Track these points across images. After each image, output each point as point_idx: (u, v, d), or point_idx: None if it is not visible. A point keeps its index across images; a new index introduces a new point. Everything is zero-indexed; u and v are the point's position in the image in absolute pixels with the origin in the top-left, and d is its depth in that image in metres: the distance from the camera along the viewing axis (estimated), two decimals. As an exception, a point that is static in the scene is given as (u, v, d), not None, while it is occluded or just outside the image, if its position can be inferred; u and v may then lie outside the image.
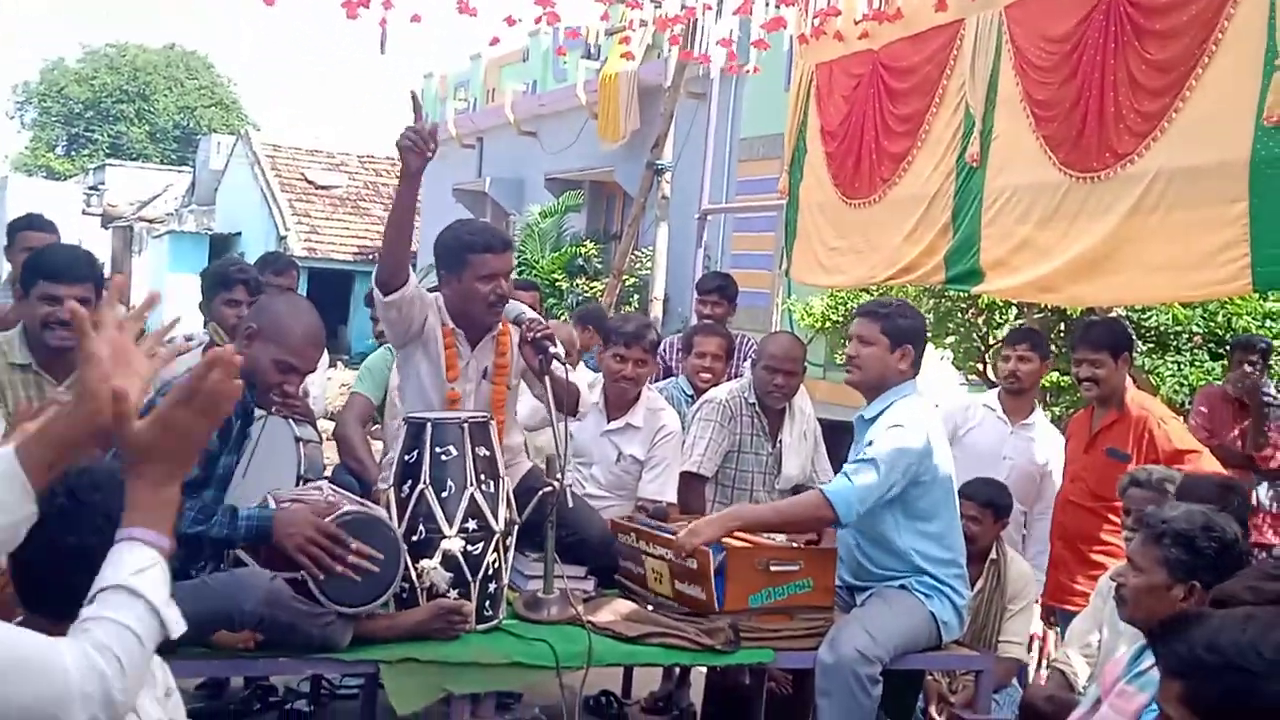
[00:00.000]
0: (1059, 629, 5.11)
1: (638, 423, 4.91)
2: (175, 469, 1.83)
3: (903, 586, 4.07)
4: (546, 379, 3.98)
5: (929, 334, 7.57)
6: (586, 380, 5.41)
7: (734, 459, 5.08)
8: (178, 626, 1.80)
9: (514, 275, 4.49)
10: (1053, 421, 6.71)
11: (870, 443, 3.99)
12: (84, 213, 29.12)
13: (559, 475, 3.92)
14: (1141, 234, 4.66)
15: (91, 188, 32.69)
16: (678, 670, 5.52)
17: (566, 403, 3.98)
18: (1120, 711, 2.95)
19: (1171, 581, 3.04)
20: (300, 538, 3.37)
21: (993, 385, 7.57)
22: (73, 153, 45.04)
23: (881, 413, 4.05)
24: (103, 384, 1.82)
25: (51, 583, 2.10)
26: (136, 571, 1.75)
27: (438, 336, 4.17)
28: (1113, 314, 6.32)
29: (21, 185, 33.63)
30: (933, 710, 4.59)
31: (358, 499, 3.81)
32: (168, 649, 2.51)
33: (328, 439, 5.48)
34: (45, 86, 46.14)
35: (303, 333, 3.58)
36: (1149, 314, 6.87)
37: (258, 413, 4.46)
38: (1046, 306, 6.48)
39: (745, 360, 6.01)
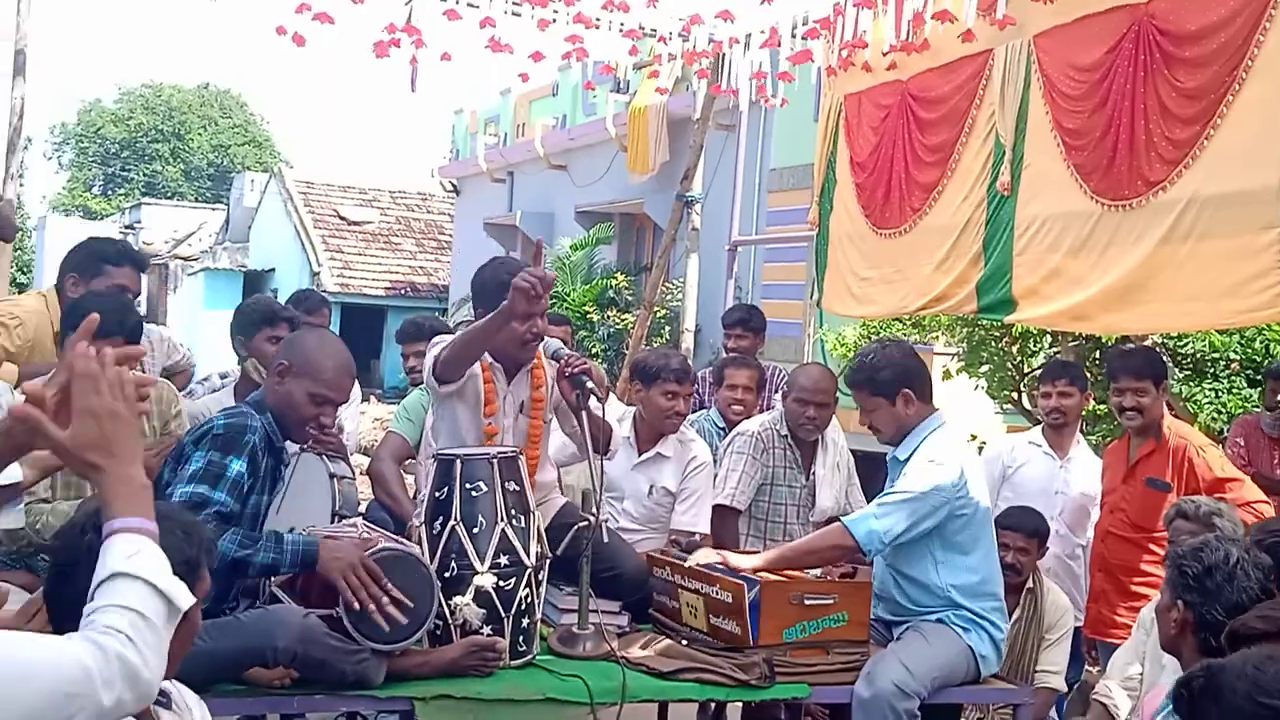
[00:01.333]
0: (1100, 662, 5.05)
1: (668, 453, 4.90)
2: (119, 451, 1.87)
3: (940, 620, 4.04)
4: (583, 414, 3.97)
5: (961, 364, 7.58)
6: (617, 414, 5.40)
7: (767, 491, 5.05)
8: (184, 598, 1.82)
9: (552, 309, 4.50)
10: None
11: (905, 476, 3.98)
12: (120, 251, 29.35)
13: (594, 510, 3.92)
14: (1174, 262, 4.63)
15: (127, 226, 33.07)
16: (713, 706, 5.48)
17: (601, 440, 3.97)
18: (1161, 747, 2.90)
19: (1170, 604, 3.07)
20: (345, 566, 3.38)
21: (1027, 413, 7.53)
22: (109, 192, 45.61)
23: (915, 450, 4.04)
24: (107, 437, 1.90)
25: (75, 617, 2.12)
26: (127, 558, 1.79)
27: (476, 373, 4.18)
28: (1147, 341, 6.27)
29: (59, 225, 34.13)
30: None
31: (392, 536, 3.82)
32: (203, 687, 2.54)
33: (361, 474, 5.50)
34: (82, 127, 46.80)
35: (334, 365, 3.63)
36: (1185, 341, 6.81)
37: (291, 448, 4.50)
38: (1080, 335, 6.44)
39: (776, 392, 6.00)
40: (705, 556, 4.02)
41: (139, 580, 1.78)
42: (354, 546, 3.47)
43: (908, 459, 4.06)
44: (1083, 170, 5.09)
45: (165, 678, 2.28)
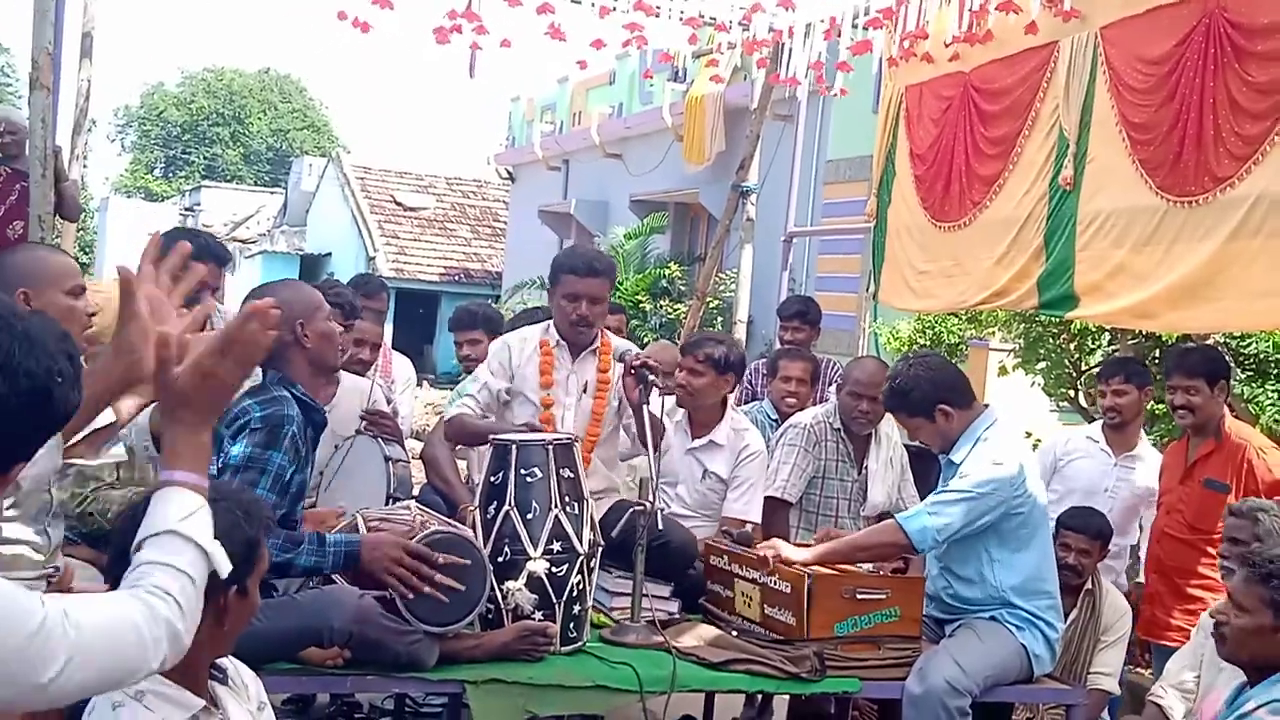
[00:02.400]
0: (1153, 664, 4.99)
1: (721, 440, 4.90)
2: (209, 415, 1.91)
3: (993, 618, 4.01)
4: (644, 410, 4.09)
5: (1018, 360, 7.49)
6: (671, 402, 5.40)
7: (819, 485, 5.04)
8: (225, 565, 1.85)
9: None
10: (1147, 450, 6.57)
11: (961, 475, 3.94)
12: (180, 232, 29.75)
13: (650, 498, 3.93)
14: (1241, 259, 4.55)
15: (187, 209, 33.50)
16: (760, 698, 5.47)
17: (653, 437, 4.07)
18: (1222, 753, 2.86)
19: (1278, 624, 2.94)
20: (387, 560, 3.40)
21: (1084, 411, 7.43)
22: (170, 174, 46.22)
23: (971, 450, 4.01)
24: (142, 340, 2.00)
25: None
26: (184, 517, 1.81)
27: (535, 351, 4.43)
28: (1209, 341, 6.17)
29: (121, 206, 34.64)
30: (1020, 743, 4.51)
31: (445, 519, 3.84)
32: (258, 665, 2.57)
33: (414, 459, 5.53)
34: (145, 110, 47.46)
35: (304, 284, 3.74)
36: (1248, 341, 6.69)
37: (346, 432, 4.54)
38: (1140, 333, 6.34)
39: (830, 385, 5.96)
40: (763, 548, 4.01)
41: (192, 543, 1.80)
42: (395, 539, 3.46)
43: (963, 460, 4.02)
44: (1148, 165, 5.01)
45: (221, 655, 2.32)
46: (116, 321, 2.02)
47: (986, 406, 4.18)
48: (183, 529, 1.80)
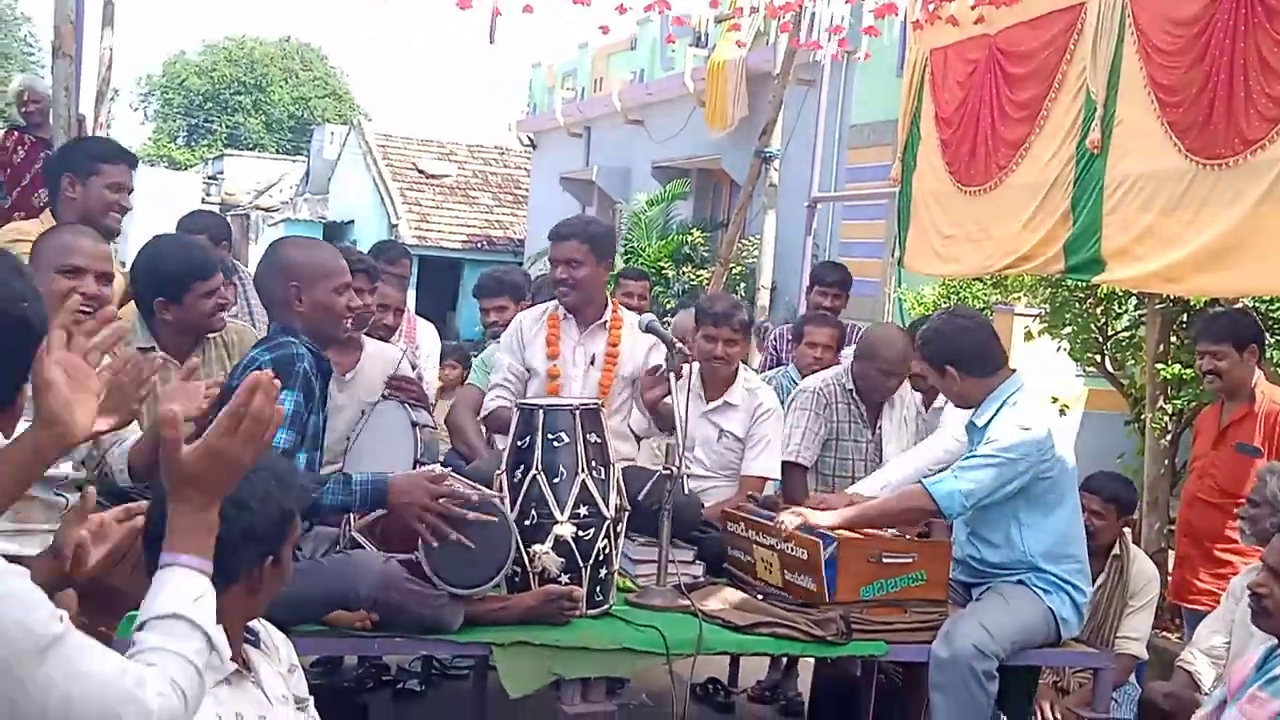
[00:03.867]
0: (1182, 628, 4.98)
1: (735, 400, 4.90)
2: (217, 495, 1.84)
3: (1020, 582, 4.01)
4: (671, 379, 4.23)
5: (1044, 325, 7.45)
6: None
7: (833, 447, 5.03)
8: (226, 652, 1.82)
9: (621, 264, 4.72)
10: (1173, 416, 6.54)
11: (989, 440, 3.93)
12: (203, 201, 29.93)
13: (676, 463, 3.94)
14: (1271, 222, 4.50)
15: (210, 177, 33.57)
16: (785, 661, 5.50)
17: (670, 421, 4.26)
18: (1252, 718, 2.86)
19: None
20: (416, 503, 3.40)
21: (1110, 376, 7.40)
22: (193, 143, 46.33)
23: (995, 414, 3.99)
24: (64, 408, 1.89)
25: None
26: (194, 600, 1.76)
27: (542, 325, 4.55)
28: (1239, 305, 6.12)
29: (145, 175, 34.64)
30: (1045, 707, 4.51)
31: (471, 482, 3.85)
32: (286, 627, 2.59)
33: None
34: (167, 79, 47.54)
35: (328, 253, 3.63)
36: (1277, 305, 6.64)
37: (372, 398, 4.56)
38: (1168, 297, 6.29)
39: (847, 348, 5.95)
40: (786, 517, 4.01)
41: (200, 631, 1.75)
42: (424, 483, 3.45)
43: (987, 424, 4.01)
44: (1177, 128, 4.96)
45: (252, 618, 2.33)
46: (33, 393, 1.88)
47: (1014, 371, 4.16)
48: (193, 615, 1.75)
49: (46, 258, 3.37)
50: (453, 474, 3.88)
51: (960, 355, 4.06)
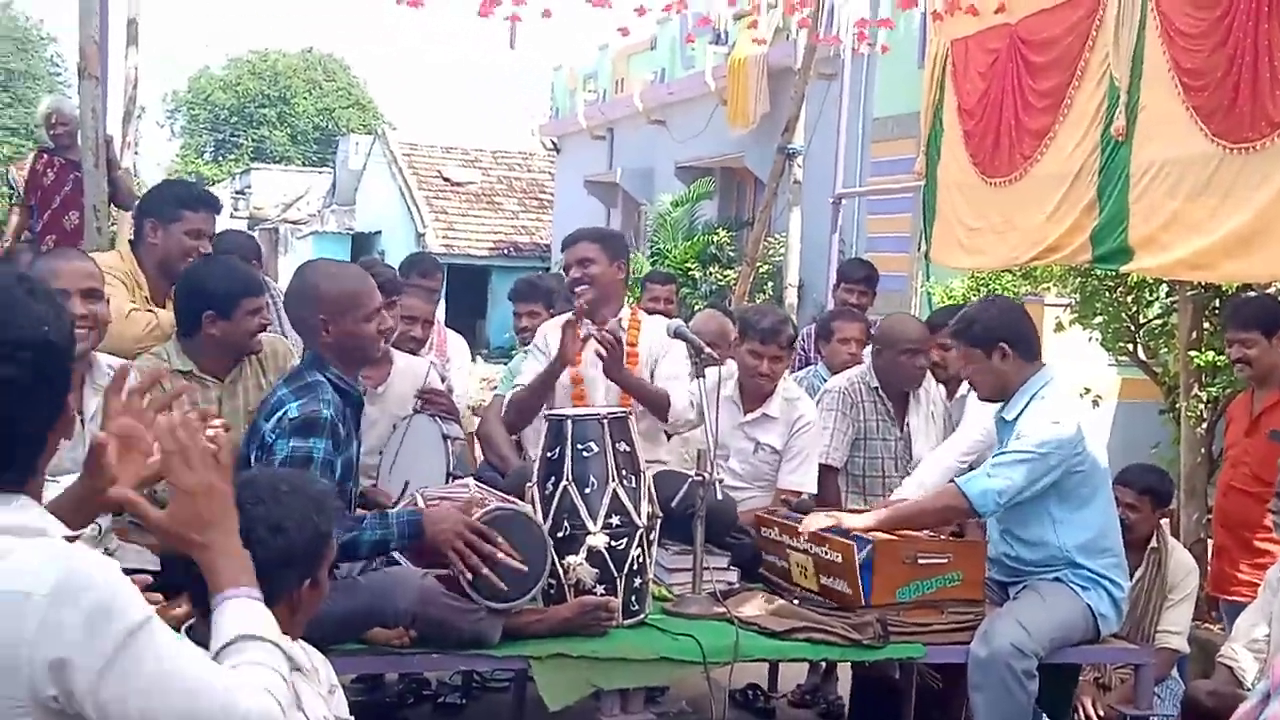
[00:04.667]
0: (1223, 620, 4.93)
1: (774, 413, 4.88)
2: (221, 527, 1.88)
3: (1057, 579, 3.98)
4: (700, 381, 4.22)
5: (1074, 315, 7.40)
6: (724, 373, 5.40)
7: (862, 447, 5.01)
8: (304, 661, 1.94)
9: (648, 266, 4.74)
10: (1208, 403, 6.48)
11: (1019, 436, 3.91)
12: (232, 215, 30.15)
13: (709, 470, 3.94)
14: (1301, 206, 4.45)
15: (238, 192, 33.81)
16: (824, 665, 5.48)
17: (655, 409, 4.38)
18: (1296, 712, 2.82)
19: None
20: (451, 534, 3.42)
21: (1143, 365, 7.33)
22: (219, 158, 46.67)
23: (1025, 408, 3.97)
24: (109, 468, 1.94)
25: None
26: (253, 622, 1.83)
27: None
28: (1271, 289, 6.06)
29: (173, 192, 34.86)
30: (1087, 704, 4.48)
31: (503, 495, 3.86)
32: (325, 646, 2.60)
33: (471, 434, 5.58)
34: (193, 95, 47.91)
35: (355, 280, 3.61)
36: (1310, 288, 6.57)
37: (404, 412, 4.57)
38: (1199, 284, 6.23)
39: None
40: (817, 520, 4.00)
41: (272, 644, 1.81)
42: (458, 514, 3.48)
43: (1016, 418, 3.99)
44: (1202, 112, 4.91)
45: (293, 640, 2.35)
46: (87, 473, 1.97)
47: (1044, 365, 4.14)
48: (262, 633, 1.81)
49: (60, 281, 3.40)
50: (486, 489, 3.90)
51: (1013, 334, 4.04)
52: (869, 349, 5.29)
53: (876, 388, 5.01)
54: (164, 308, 4.28)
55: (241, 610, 1.83)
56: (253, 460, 3.37)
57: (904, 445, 5.04)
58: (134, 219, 4.62)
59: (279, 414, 3.34)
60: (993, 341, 4.03)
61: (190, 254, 4.26)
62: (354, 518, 3.40)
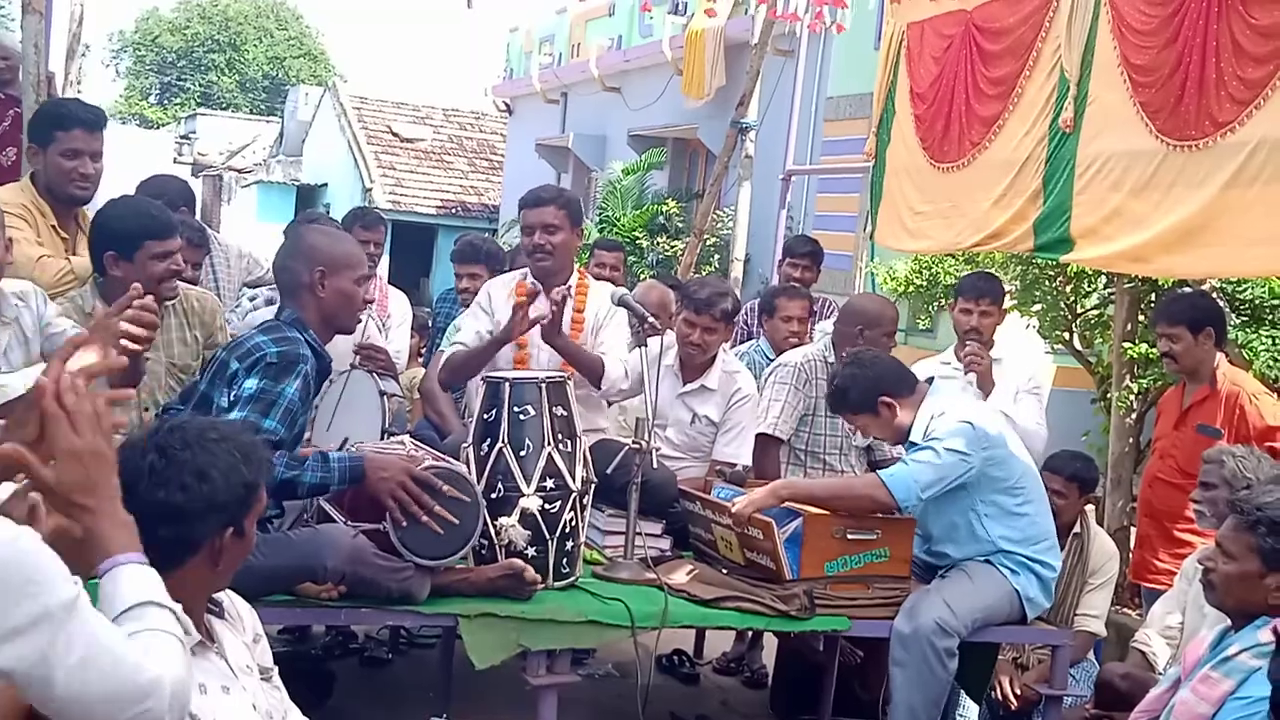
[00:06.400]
0: (1142, 607, 5.04)
1: (712, 385, 4.91)
2: (106, 491, 1.85)
3: (987, 561, 4.04)
4: (642, 351, 4.24)
5: (1014, 302, 7.49)
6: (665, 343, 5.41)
7: (809, 423, 5.06)
8: (194, 634, 1.92)
9: (596, 233, 4.73)
10: (1138, 395, 6.60)
11: (932, 436, 3.95)
12: (175, 161, 29.65)
13: (646, 438, 3.96)
14: (1240, 205, 4.52)
15: (183, 137, 33.22)
16: (750, 634, 5.54)
17: (589, 375, 4.41)
18: (1204, 698, 2.90)
19: (1265, 570, 2.96)
20: (392, 482, 3.43)
21: (1079, 354, 7.45)
22: (165, 101, 45.84)
23: (928, 424, 4.02)
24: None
25: (142, 539, 2.15)
26: (148, 586, 1.83)
27: (513, 293, 4.56)
28: (1205, 286, 6.17)
29: (117, 133, 34.23)
30: (1004, 682, 4.57)
31: (438, 454, 3.86)
32: (253, 599, 2.59)
33: (417, 397, 5.57)
34: (140, 35, 46.94)
35: (353, 245, 3.74)
36: (1244, 286, 6.68)
37: (341, 366, 4.55)
38: (1137, 277, 6.33)
39: (819, 321, 5.97)
40: (740, 505, 4.01)
41: (168, 610, 1.82)
42: (401, 462, 3.49)
43: (920, 439, 4.02)
44: (1149, 108, 4.97)
45: (219, 590, 2.34)
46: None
47: (928, 382, 4.20)
48: (158, 598, 1.81)
49: None
50: (422, 446, 3.90)
51: (889, 383, 4.09)
52: (831, 325, 5.31)
53: (834, 363, 5.04)
54: (69, 233, 4.16)
55: (136, 576, 1.82)
56: (215, 401, 3.37)
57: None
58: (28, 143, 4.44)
59: (255, 355, 3.36)
60: (874, 400, 4.07)
61: (72, 175, 4.10)
62: (295, 458, 3.39)
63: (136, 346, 3.09)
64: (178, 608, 1.83)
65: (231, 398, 3.34)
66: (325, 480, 3.41)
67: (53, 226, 4.13)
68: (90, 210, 4.21)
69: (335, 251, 3.58)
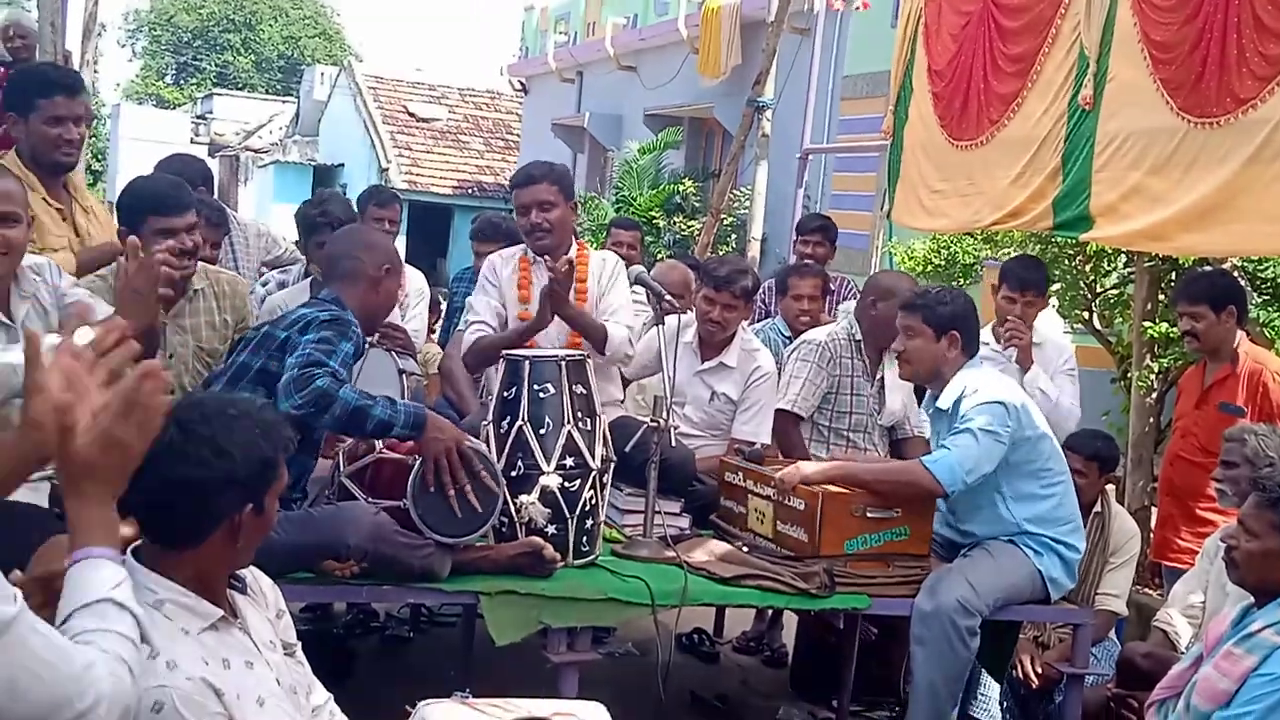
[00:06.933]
0: (1164, 586, 5.04)
1: (731, 362, 4.91)
2: (114, 487, 1.83)
3: (1011, 541, 4.03)
4: (659, 328, 4.22)
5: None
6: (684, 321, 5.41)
7: (832, 400, 5.03)
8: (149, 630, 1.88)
9: (612, 213, 4.72)
10: (1159, 374, 6.57)
11: (966, 418, 3.93)
12: (192, 141, 29.71)
13: (664, 416, 3.96)
14: (1261, 183, 4.50)
15: (199, 117, 33.29)
16: (770, 612, 5.55)
17: (594, 341, 4.34)
18: (1226, 674, 2.90)
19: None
20: (443, 445, 3.45)
21: (1098, 334, 7.42)
22: (181, 81, 45.86)
23: (959, 398, 3.99)
24: (49, 414, 1.78)
25: (162, 514, 2.17)
26: (115, 586, 1.80)
27: (515, 268, 4.59)
28: (1226, 265, 6.14)
29: (133, 113, 34.39)
30: (1025, 661, 4.57)
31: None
32: (277, 574, 2.61)
33: (433, 374, 5.59)
34: (155, 15, 46.94)
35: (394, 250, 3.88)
36: (1265, 265, 6.64)
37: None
38: (1156, 256, 6.30)
39: (842, 302, 5.95)
40: (787, 473, 4.02)
41: (128, 612, 1.79)
42: (457, 430, 3.54)
43: (952, 406, 4.01)
44: (1169, 85, 4.94)
45: (239, 567, 2.35)
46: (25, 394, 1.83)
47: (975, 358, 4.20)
48: (118, 597, 1.78)
49: None
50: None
51: (966, 326, 4.08)
52: (847, 305, 5.29)
53: (859, 341, 5.02)
54: (62, 201, 4.13)
55: (106, 572, 1.80)
56: (255, 365, 3.43)
57: (874, 401, 5.07)
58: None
59: (307, 318, 3.43)
60: (947, 327, 4.06)
61: (58, 141, 4.02)
62: (366, 393, 3.39)
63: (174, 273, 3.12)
64: (140, 612, 1.82)
65: (283, 351, 3.38)
66: (392, 419, 3.39)
67: (44, 199, 4.07)
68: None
69: (396, 253, 3.77)
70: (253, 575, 2.47)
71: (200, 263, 4.09)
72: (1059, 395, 4.99)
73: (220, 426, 2.17)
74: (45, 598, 1.84)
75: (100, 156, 34.36)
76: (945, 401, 4.04)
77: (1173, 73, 4.92)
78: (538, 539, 3.69)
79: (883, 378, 5.07)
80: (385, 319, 3.81)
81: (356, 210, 5.90)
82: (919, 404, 5.19)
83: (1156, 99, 4.99)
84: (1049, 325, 5.58)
